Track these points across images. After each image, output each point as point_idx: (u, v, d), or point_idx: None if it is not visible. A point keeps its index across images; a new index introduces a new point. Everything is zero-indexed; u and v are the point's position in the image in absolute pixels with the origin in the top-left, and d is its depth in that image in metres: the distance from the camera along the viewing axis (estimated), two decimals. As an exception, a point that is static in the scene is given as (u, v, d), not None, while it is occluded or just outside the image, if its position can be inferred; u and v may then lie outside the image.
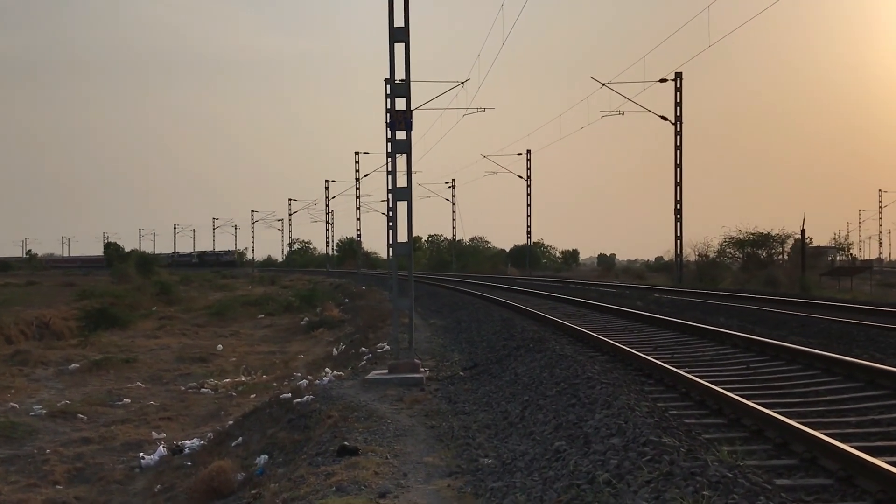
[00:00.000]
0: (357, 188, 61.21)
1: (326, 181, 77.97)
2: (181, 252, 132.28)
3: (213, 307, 42.83)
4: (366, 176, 60.99)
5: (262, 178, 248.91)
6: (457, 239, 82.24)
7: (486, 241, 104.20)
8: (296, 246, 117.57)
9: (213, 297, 53.48)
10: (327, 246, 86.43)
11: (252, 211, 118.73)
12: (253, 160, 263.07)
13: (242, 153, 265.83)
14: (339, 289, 52.15)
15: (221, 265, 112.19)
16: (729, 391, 8.54)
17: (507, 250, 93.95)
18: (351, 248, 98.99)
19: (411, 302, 13.49)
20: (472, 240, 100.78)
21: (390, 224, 19.82)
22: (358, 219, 61.86)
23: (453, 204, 75.99)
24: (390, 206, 24.81)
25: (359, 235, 64.15)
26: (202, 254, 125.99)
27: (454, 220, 77.15)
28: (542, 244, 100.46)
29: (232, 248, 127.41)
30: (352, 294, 44.76)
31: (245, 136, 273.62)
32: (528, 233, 61.49)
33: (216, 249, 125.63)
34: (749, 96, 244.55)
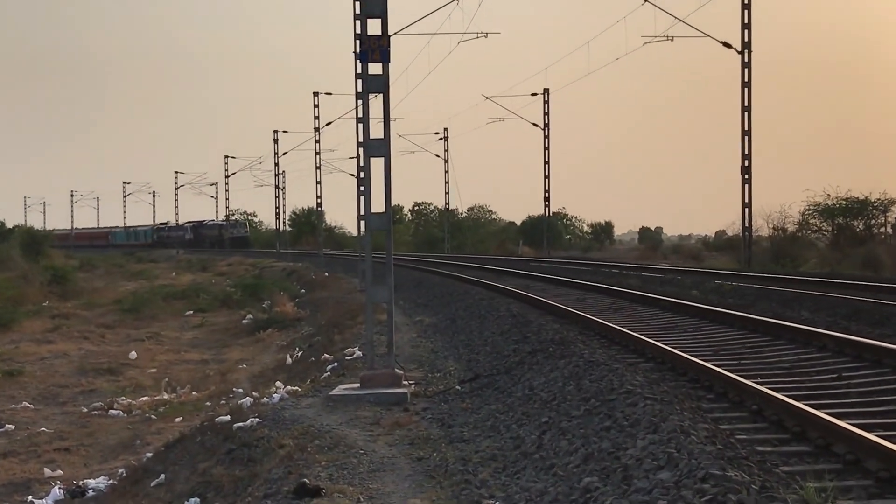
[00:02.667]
0: (316, 141, 61.17)
1: (275, 132, 77.37)
2: (167, 224, 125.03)
3: (126, 301, 42.86)
4: (328, 124, 60.96)
5: (189, 128, 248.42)
6: (451, 209, 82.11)
7: (489, 213, 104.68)
8: (235, 218, 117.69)
9: (124, 288, 53.50)
10: (277, 219, 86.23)
11: (175, 172, 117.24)
12: (175, 105, 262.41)
13: (159, 94, 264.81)
14: (294, 276, 52.33)
15: (233, 244, 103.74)
16: (815, 408, 8.57)
17: (519, 224, 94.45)
18: (309, 221, 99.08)
19: (390, 292, 13.50)
20: (470, 210, 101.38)
21: (361, 189, 19.77)
22: (318, 182, 62.02)
23: (446, 162, 76.29)
24: (361, 164, 24.68)
25: (319, 205, 64.11)
26: (198, 225, 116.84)
27: (447, 183, 77.31)
28: (565, 215, 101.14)
29: (169, 220, 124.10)
30: (311, 283, 44.94)
31: (163, 72, 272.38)
32: (546, 200, 61.80)
33: (222, 220, 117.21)
34: (838, 14, 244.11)
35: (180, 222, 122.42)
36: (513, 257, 58.49)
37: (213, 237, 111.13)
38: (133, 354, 28.17)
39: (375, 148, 13.12)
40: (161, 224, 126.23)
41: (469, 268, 40.93)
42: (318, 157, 61.41)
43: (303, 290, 42.68)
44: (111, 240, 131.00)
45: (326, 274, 47.84)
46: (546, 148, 60.30)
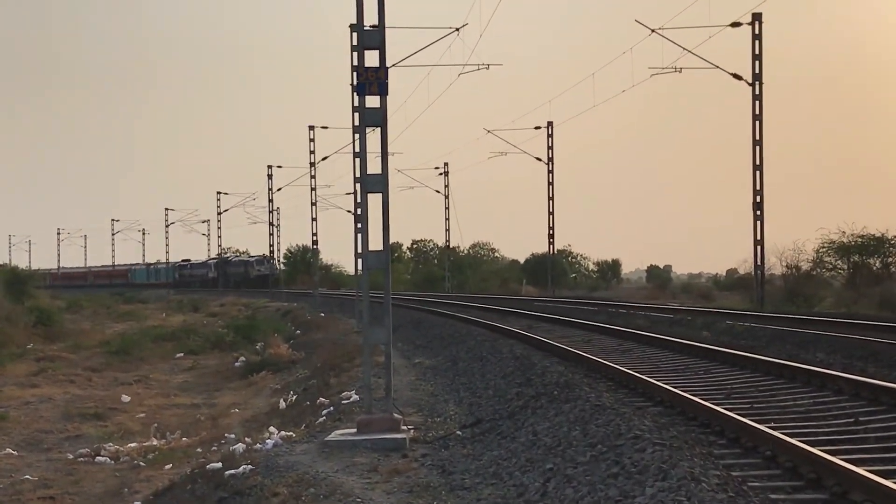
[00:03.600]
0: (312, 176, 61.24)
1: (269, 167, 77.27)
2: (190, 262, 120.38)
3: (114, 343, 42.84)
4: (324, 159, 60.84)
5: (180, 164, 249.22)
6: (452, 246, 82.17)
7: (491, 249, 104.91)
8: (229, 256, 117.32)
9: (112, 330, 53.48)
10: (272, 256, 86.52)
11: (166, 210, 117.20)
12: (165, 138, 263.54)
13: (147, 129, 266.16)
14: (289, 316, 52.32)
15: (258, 283, 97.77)
16: (832, 454, 8.54)
17: (522, 262, 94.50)
18: (304, 259, 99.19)
19: (388, 334, 13.48)
20: (472, 247, 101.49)
21: (359, 226, 19.82)
22: (314, 219, 62.20)
23: (446, 198, 76.32)
24: (358, 200, 24.72)
25: (315, 242, 64.37)
26: (224, 262, 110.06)
27: (447, 220, 77.48)
28: (570, 253, 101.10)
29: (190, 257, 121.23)
30: (306, 323, 44.93)
31: (150, 104, 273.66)
32: (551, 237, 61.69)
33: (244, 256, 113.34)
34: (854, 42, 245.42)
35: (199, 259, 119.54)
36: (516, 297, 58.34)
37: (238, 275, 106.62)
38: (123, 398, 28.12)
39: (373, 183, 13.10)
40: (184, 261, 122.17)
41: (470, 307, 40.91)
42: (313, 192, 61.49)
43: (298, 332, 42.65)
44: (131, 278, 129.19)
45: (322, 314, 47.78)
46: (550, 183, 60.38)
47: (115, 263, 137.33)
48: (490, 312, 36.74)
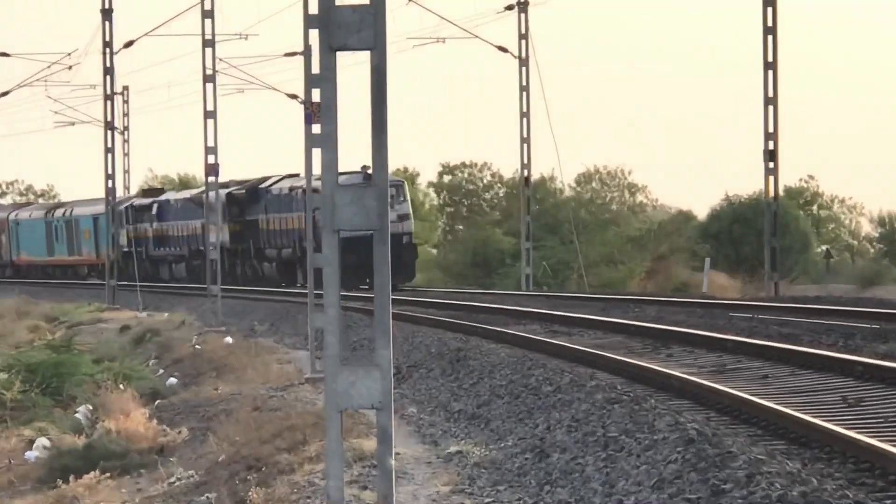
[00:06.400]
0: (207, 17, 37.97)
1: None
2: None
3: None
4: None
5: None
6: (535, 178, 46.73)
7: (630, 186, 62.20)
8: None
9: None
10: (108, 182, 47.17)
11: None
12: None
13: None
14: (152, 343, 31.87)
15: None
16: None
17: (705, 219, 54.88)
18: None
19: (388, 384, 7.04)
20: (583, 183, 59.31)
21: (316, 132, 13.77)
22: (209, 114, 39.47)
23: (523, 63, 46.89)
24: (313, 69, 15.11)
25: (213, 166, 38.78)
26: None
27: (526, 114, 46.11)
28: (813, 193, 59.23)
29: None
30: (192, 359, 27.55)
31: None
32: (770, 165, 35.74)
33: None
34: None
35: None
36: (687, 298, 35.21)
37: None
38: None
39: (348, 24, 6.83)
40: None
41: (579, 322, 25.65)
42: (209, 54, 39.72)
43: (173, 378, 25.71)
44: None
45: (229, 337, 29.03)
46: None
47: None
48: (625, 337, 22.72)
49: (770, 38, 39.40)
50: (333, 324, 6.63)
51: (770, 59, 39.08)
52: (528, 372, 16.85)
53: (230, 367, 24.36)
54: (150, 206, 63.90)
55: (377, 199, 6.33)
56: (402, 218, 48.00)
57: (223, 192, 48.30)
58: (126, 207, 64.70)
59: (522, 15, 49.21)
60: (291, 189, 51.39)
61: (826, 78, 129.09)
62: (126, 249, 60.46)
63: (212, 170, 39.19)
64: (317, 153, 16.24)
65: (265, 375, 22.17)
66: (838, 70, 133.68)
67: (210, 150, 39.07)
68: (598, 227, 54.76)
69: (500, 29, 53.79)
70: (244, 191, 56.46)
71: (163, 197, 65.09)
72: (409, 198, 50.39)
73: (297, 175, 49.80)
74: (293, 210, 50.16)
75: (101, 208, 57.94)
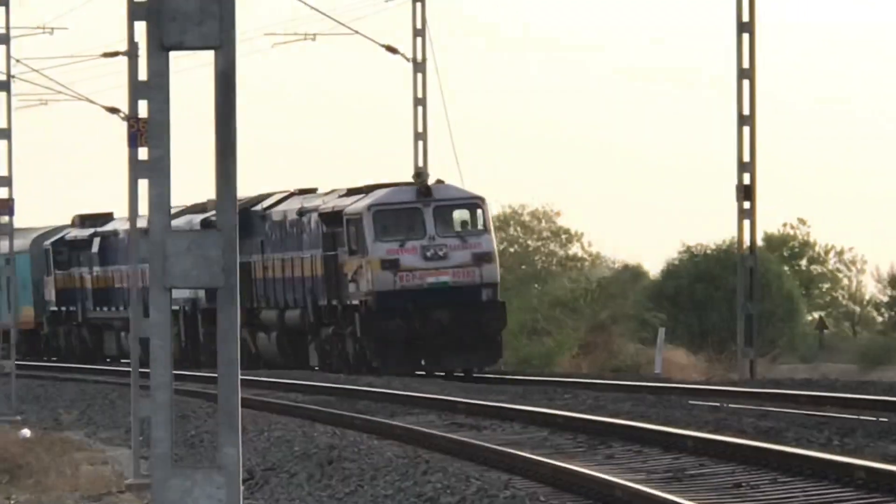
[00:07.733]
0: None
1: None
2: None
3: None
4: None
5: None
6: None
7: (550, 226, 52.35)
8: None
9: None
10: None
11: None
12: None
13: None
14: None
15: None
16: None
17: (659, 274, 46.62)
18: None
19: (236, 486, 6.02)
20: (511, 216, 49.85)
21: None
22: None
23: (418, 49, 44.21)
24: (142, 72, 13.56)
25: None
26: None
27: (419, 119, 44.77)
28: (802, 245, 49.76)
29: None
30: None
31: None
32: (746, 176, 30.96)
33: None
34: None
35: None
36: (634, 381, 30.26)
37: None
38: None
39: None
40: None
41: (489, 411, 22.72)
42: None
43: None
44: None
45: (26, 431, 24.42)
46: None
47: None
48: (555, 433, 19.81)
49: (746, 36, 31.03)
50: (164, 412, 5.37)
51: (745, 64, 30.91)
52: (421, 478, 14.31)
53: (27, 470, 19.86)
54: (88, 242, 49.37)
55: (223, 248, 5.10)
56: (481, 260, 34.05)
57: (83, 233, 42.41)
58: (52, 244, 51.70)
59: (418, 4, 41.69)
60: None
61: (816, 89, 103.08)
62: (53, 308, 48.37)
63: (5, 206, 30.52)
64: (143, 184, 13.23)
65: (73, 481, 18.20)
66: (833, 83, 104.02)
67: (2, 181, 30.21)
68: (516, 286, 46.75)
69: (388, 24, 48.34)
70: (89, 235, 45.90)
71: (108, 226, 48.87)
72: (491, 228, 36.57)
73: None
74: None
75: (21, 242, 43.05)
